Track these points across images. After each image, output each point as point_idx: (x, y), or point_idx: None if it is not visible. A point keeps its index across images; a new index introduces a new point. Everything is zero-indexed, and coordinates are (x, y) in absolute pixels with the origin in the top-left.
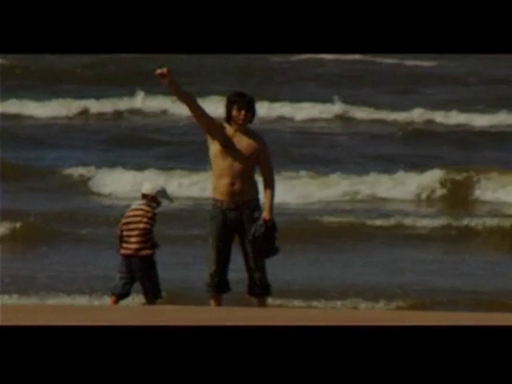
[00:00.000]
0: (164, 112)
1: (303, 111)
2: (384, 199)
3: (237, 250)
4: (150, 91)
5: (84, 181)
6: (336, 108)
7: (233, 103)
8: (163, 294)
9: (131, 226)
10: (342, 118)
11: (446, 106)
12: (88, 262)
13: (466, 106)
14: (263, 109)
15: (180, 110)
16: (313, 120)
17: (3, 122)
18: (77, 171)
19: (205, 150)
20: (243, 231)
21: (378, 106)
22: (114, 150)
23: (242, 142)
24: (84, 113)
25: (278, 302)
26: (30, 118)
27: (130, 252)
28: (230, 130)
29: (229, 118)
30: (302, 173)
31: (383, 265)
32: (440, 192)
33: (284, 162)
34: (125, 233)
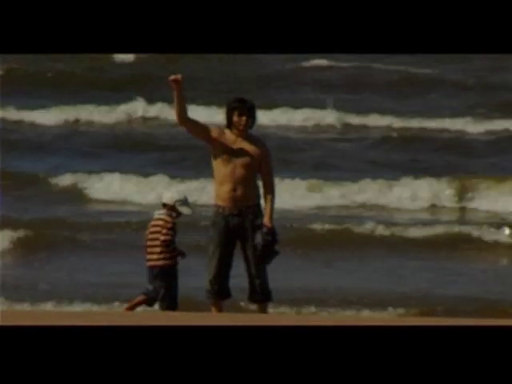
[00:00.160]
0: (164, 117)
1: (300, 116)
2: (382, 206)
3: (237, 257)
4: (150, 97)
5: (83, 187)
6: (333, 114)
7: (233, 109)
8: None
9: (153, 236)
10: (339, 124)
11: (442, 112)
12: (88, 269)
13: (462, 112)
14: (259, 115)
15: None
16: (309, 126)
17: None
18: (75, 177)
19: (205, 156)
20: (245, 237)
21: (374, 112)
22: (113, 156)
23: (244, 148)
24: (81, 119)
25: (280, 309)
26: (30, 124)
27: (151, 263)
28: (231, 136)
29: (230, 124)
30: (298, 179)
31: (383, 272)
32: (439, 199)
33: (280, 168)
34: (148, 243)
